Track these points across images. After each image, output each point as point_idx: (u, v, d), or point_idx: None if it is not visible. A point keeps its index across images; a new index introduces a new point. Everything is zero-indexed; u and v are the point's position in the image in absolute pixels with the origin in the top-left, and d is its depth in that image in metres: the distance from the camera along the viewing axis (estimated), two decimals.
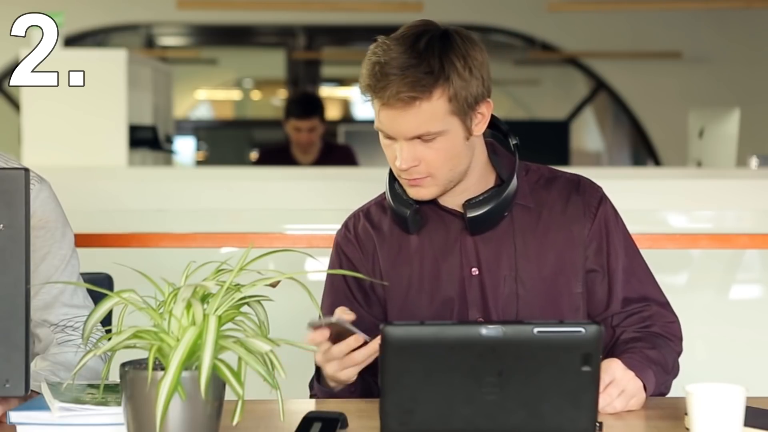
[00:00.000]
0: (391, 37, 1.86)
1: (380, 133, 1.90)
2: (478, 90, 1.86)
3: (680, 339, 1.97)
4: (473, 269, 1.94)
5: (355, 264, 2.00)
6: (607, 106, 8.24)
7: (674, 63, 7.61)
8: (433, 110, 1.83)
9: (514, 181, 1.93)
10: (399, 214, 1.95)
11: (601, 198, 1.98)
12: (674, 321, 1.98)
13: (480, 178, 1.95)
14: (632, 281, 1.97)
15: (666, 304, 1.99)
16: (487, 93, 1.89)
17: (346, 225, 2.05)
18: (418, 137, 1.85)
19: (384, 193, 2.01)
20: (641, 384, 1.77)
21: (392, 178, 1.97)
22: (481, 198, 1.92)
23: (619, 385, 1.73)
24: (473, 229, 1.93)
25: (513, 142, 1.97)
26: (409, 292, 1.96)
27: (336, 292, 2.00)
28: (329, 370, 1.79)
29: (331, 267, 2.04)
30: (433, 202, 1.96)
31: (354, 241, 2.01)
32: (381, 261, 1.98)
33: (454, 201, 1.95)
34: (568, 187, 1.99)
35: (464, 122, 1.86)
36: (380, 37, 1.87)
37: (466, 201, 1.92)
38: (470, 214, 1.91)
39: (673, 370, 1.91)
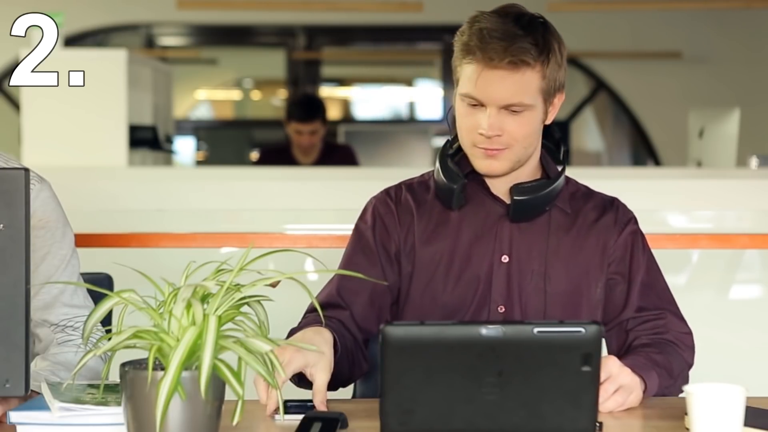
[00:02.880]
0: (490, 12, 1.90)
1: (461, 102, 1.92)
2: (561, 79, 1.93)
3: (692, 350, 1.98)
4: (503, 257, 1.96)
5: (387, 228, 2.00)
6: (607, 106, 8.23)
7: (674, 63, 7.61)
8: (531, 81, 1.88)
9: (562, 179, 1.98)
10: (446, 188, 1.97)
11: (632, 218, 2.04)
12: (688, 333, 2.00)
13: (532, 171, 2.00)
14: (650, 295, 1.99)
15: (682, 317, 2.01)
16: (562, 86, 1.94)
17: (387, 191, 2.05)
18: (510, 106, 1.88)
19: (427, 173, 2.04)
20: (639, 380, 1.77)
21: (444, 156, 1.99)
22: (529, 185, 1.96)
23: (615, 381, 1.73)
24: (515, 214, 1.96)
25: (564, 149, 2.02)
26: (438, 268, 1.97)
27: (361, 244, 2.01)
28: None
29: (361, 223, 2.03)
30: (481, 184, 1.99)
31: (393, 207, 2.02)
32: (416, 235, 1.99)
33: (501, 188, 1.98)
34: (603, 203, 2.04)
35: (545, 105, 1.93)
36: (477, 11, 1.91)
37: (514, 185, 1.95)
38: (517, 197, 1.94)
39: (679, 377, 1.91)
